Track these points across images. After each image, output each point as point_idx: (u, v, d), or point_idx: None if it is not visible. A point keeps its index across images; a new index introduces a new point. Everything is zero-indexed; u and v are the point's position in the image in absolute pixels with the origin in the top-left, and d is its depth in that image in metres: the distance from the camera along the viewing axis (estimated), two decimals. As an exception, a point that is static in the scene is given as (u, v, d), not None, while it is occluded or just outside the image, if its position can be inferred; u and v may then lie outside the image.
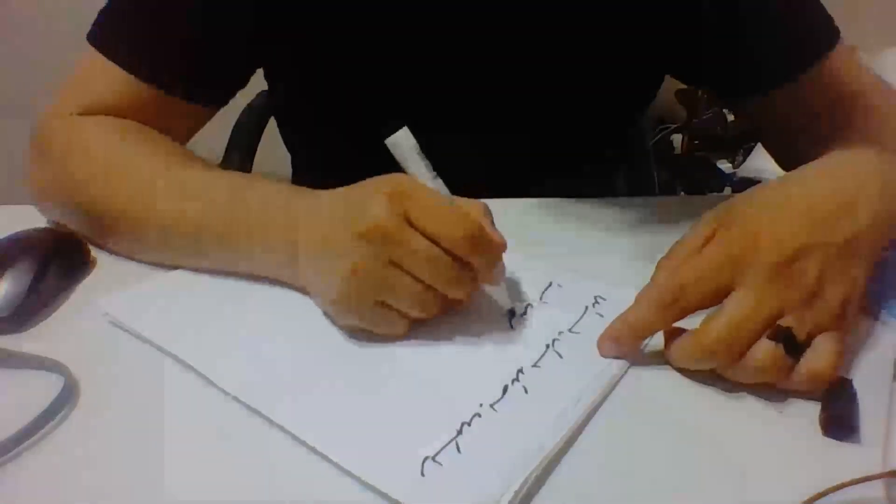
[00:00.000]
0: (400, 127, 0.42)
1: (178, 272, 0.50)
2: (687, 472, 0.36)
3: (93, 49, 0.57)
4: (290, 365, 0.42)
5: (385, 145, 0.42)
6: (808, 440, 0.37)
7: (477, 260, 0.42)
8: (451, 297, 0.43)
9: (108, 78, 0.56)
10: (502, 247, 0.43)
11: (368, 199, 0.41)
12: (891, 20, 1.55)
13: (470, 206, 0.44)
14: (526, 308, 0.47)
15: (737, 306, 0.39)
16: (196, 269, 0.50)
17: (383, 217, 0.40)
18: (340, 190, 0.44)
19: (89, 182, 0.52)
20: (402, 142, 0.42)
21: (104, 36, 0.57)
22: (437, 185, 0.43)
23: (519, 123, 0.65)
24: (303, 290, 0.47)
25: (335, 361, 0.42)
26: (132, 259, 0.53)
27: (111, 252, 0.54)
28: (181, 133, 0.61)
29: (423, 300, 0.42)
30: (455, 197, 0.44)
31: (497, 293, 0.46)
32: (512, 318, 0.46)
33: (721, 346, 0.39)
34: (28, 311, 0.46)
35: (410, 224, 0.40)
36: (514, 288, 0.49)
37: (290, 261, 0.45)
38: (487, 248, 0.42)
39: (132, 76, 0.56)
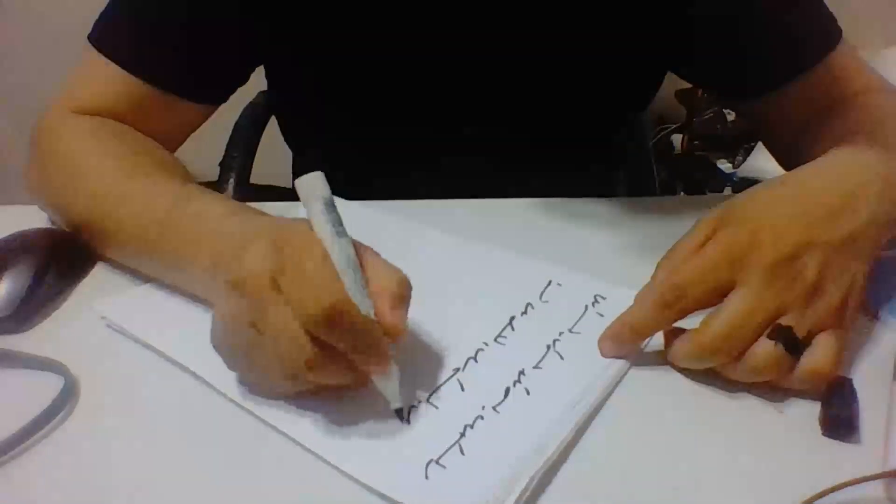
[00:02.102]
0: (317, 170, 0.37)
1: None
2: (688, 471, 0.36)
3: (93, 49, 0.57)
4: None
5: (388, 144, 0.40)
6: (808, 440, 0.37)
7: (341, 343, 0.34)
8: (313, 380, 0.35)
9: (107, 76, 0.57)
10: (392, 331, 0.36)
11: (254, 246, 0.36)
12: (891, 20, 1.55)
13: (382, 275, 0.37)
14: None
15: (736, 305, 0.39)
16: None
17: (252, 271, 0.35)
18: (259, 222, 0.41)
19: (59, 186, 0.54)
20: (309, 188, 0.36)
21: (104, 35, 0.58)
22: (340, 245, 0.36)
23: (518, 120, 0.65)
24: None
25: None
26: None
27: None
28: (179, 131, 0.61)
29: (278, 375, 0.36)
30: (376, 259, 0.38)
31: (382, 386, 0.37)
32: (401, 418, 0.37)
33: (721, 345, 0.39)
34: (28, 311, 0.46)
35: (279, 286, 0.34)
36: (510, 287, 0.48)
37: (211, 283, 0.40)
38: (357, 331, 0.34)
39: (130, 74, 0.57)
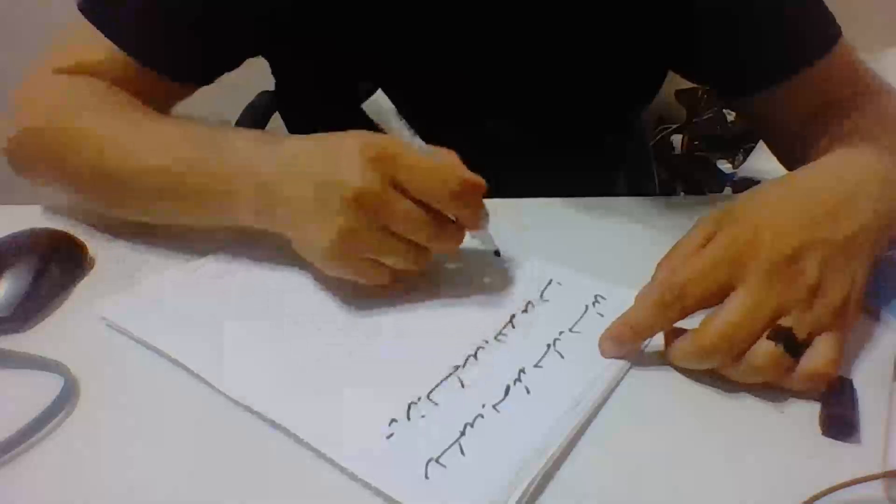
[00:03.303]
0: (374, 90, 0.44)
1: (175, 275, 0.50)
2: (688, 471, 0.36)
3: (80, 16, 0.58)
4: (292, 367, 0.41)
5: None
6: (808, 440, 0.37)
7: (463, 213, 0.44)
8: (438, 251, 0.46)
9: (92, 44, 0.58)
10: (483, 188, 0.44)
11: (352, 162, 0.42)
12: (891, 20, 1.55)
13: (445, 156, 0.45)
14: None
15: (736, 305, 0.39)
16: (191, 273, 0.50)
17: (368, 183, 0.41)
18: (316, 144, 0.45)
19: (65, 142, 0.53)
20: (379, 105, 0.44)
21: (92, 4, 0.59)
22: (417, 143, 0.45)
23: (519, 120, 0.65)
24: (279, 238, 0.47)
25: (338, 364, 0.42)
26: (127, 250, 0.54)
27: (96, 228, 0.55)
28: (160, 104, 0.61)
29: (409, 256, 0.45)
30: (431, 147, 0.45)
31: (482, 237, 0.49)
32: (498, 257, 0.50)
33: (720, 345, 0.39)
34: (28, 311, 0.46)
35: (396, 186, 0.42)
36: (511, 285, 0.49)
37: (267, 210, 0.46)
38: (471, 197, 0.44)
39: (113, 44, 0.57)
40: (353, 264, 0.45)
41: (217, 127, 0.52)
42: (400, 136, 0.45)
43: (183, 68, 0.61)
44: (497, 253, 0.49)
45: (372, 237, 0.43)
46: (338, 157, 0.43)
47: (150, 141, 0.51)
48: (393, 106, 0.44)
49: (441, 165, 0.43)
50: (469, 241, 0.48)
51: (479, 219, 0.46)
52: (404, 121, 0.45)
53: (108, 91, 0.56)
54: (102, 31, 0.57)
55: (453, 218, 0.45)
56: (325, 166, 0.43)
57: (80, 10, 0.59)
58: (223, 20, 0.59)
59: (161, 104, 0.61)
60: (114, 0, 0.59)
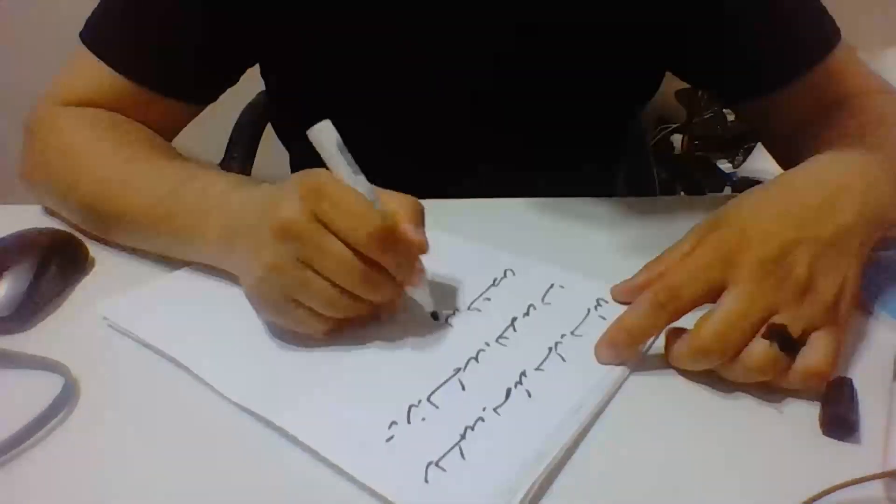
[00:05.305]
0: (323, 119, 0.41)
1: (175, 276, 0.50)
2: (688, 472, 0.36)
3: (82, 45, 0.59)
4: (292, 369, 0.41)
5: (386, 146, 0.42)
6: (808, 440, 0.37)
7: (388, 260, 0.40)
8: (366, 298, 0.41)
9: (95, 73, 0.58)
10: (418, 247, 0.41)
11: (283, 195, 0.40)
12: (891, 20, 1.55)
13: (397, 202, 0.42)
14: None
15: (729, 305, 0.39)
16: (193, 274, 0.50)
17: (293, 215, 0.39)
18: (268, 184, 0.45)
19: (61, 171, 0.56)
20: (323, 135, 0.40)
21: (92, 33, 0.59)
22: (358, 182, 0.40)
23: (518, 121, 0.65)
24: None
25: (339, 366, 0.42)
26: (126, 251, 0.54)
27: (94, 238, 0.55)
28: (164, 128, 0.62)
29: (334, 301, 0.40)
30: (386, 191, 0.42)
31: (418, 295, 0.44)
32: (436, 320, 0.45)
33: (715, 345, 0.39)
34: (28, 311, 0.46)
35: (322, 223, 0.39)
36: (514, 289, 0.49)
37: (225, 250, 0.46)
38: (399, 248, 0.40)
39: (115, 72, 0.58)
40: (281, 306, 0.41)
41: (196, 166, 0.52)
42: (337, 170, 0.40)
43: (185, 88, 0.61)
44: (434, 315, 0.44)
45: (293, 274, 0.39)
46: (274, 191, 0.42)
47: (140, 180, 0.52)
48: (338, 138, 0.40)
49: (368, 205, 0.39)
50: (471, 262, 0.47)
51: (410, 273, 0.42)
52: (349, 156, 0.40)
53: (107, 124, 0.57)
54: (102, 59, 0.58)
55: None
56: (261, 201, 0.42)
57: (81, 38, 0.59)
58: (218, 37, 0.60)
59: (168, 127, 0.63)
60: (112, 27, 0.60)
